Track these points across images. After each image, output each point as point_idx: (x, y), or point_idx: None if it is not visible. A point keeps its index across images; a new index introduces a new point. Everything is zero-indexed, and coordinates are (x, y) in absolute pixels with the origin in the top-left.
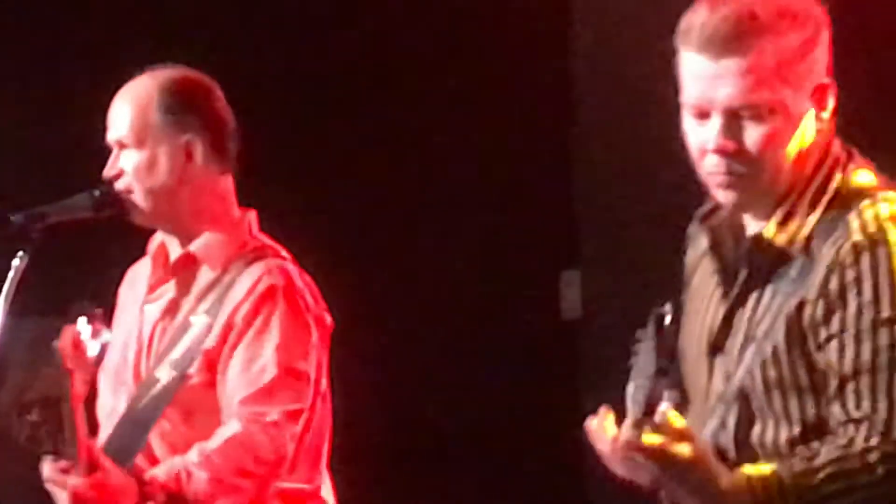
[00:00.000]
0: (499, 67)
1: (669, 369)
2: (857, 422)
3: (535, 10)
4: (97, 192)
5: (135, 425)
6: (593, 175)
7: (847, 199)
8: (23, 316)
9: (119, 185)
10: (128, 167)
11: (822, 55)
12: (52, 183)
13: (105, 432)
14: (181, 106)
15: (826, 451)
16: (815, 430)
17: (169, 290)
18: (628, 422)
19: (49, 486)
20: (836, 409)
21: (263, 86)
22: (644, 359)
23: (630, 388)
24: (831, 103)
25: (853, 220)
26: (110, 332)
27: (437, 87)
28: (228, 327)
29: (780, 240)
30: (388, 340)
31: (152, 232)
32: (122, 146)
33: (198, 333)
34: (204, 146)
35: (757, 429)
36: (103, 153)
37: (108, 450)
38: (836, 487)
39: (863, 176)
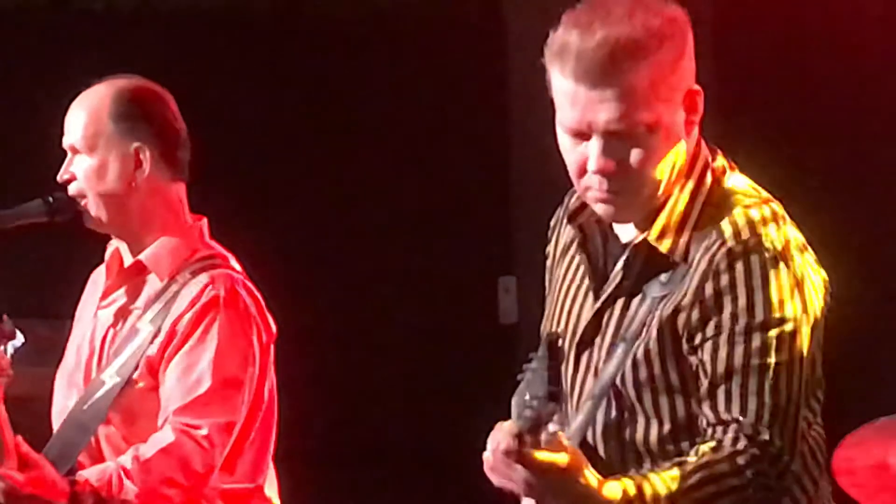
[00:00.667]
0: (441, 89)
1: (559, 395)
2: (727, 424)
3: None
4: (51, 199)
5: (79, 426)
6: (528, 190)
7: (720, 204)
8: None
9: (71, 190)
10: (79, 172)
11: (689, 63)
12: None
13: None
14: (132, 114)
15: (695, 456)
16: (685, 428)
17: (120, 296)
18: (511, 430)
19: None
20: (706, 409)
21: (220, 99)
22: (535, 379)
23: (516, 403)
24: (700, 108)
25: (726, 227)
26: (21, 338)
27: (384, 107)
28: (170, 335)
29: (664, 247)
30: (334, 342)
31: (105, 236)
32: (74, 151)
33: (142, 341)
34: (153, 154)
35: (627, 426)
36: (56, 159)
37: (53, 448)
38: (708, 491)
39: (734, 179)
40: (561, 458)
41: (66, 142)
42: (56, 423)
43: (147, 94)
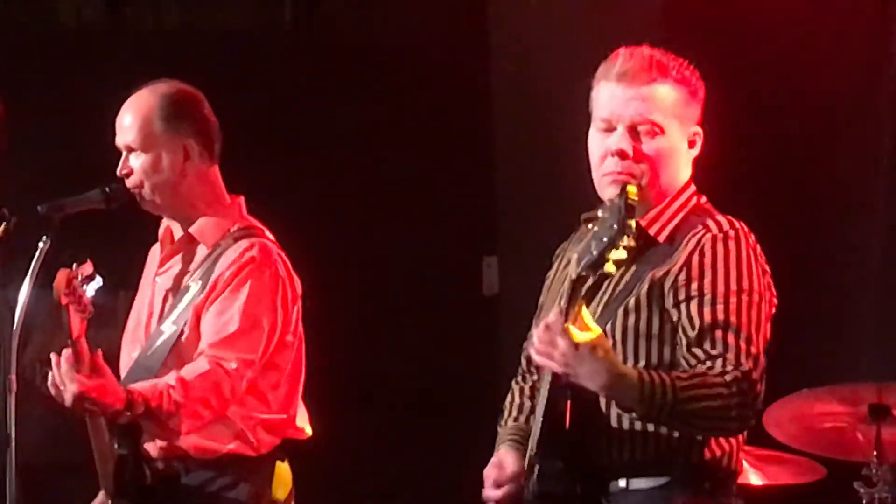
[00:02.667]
0: (431, 90)
1: (628, 230)
2: (715, 357)
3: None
4: (108, 189)
5: (145, 369)
6: (511, 182)
7: (701, 213)
8: (45, 289)
9: (129, 183)
10: (136, 167)
11: (698, 111)
12: (73, 179)
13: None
14: (178, 114)
15: (694, 371)
16: (662, 369)
17: (175, 263)
18: (555, 310)
19: (59, 381)
20: (696, 351)
21: (247, 105)
22: (601, 228)
23: (578, 251)
24: (698, 147)
25: (710, 223)
26: (100, 280)
27: (384, 108)
28: (212, 288)
29: (652, 230)
30: (344, 305)
31: (154, 219)
32: (130, 150)
33: (192, 295)
34: (198, 146)
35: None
36: (112, 157)
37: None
38: (701, 392)
39: (708, 205)
40: (594, 334)
41: (121, 142)
42: (122, 374)
43: (188, 96)
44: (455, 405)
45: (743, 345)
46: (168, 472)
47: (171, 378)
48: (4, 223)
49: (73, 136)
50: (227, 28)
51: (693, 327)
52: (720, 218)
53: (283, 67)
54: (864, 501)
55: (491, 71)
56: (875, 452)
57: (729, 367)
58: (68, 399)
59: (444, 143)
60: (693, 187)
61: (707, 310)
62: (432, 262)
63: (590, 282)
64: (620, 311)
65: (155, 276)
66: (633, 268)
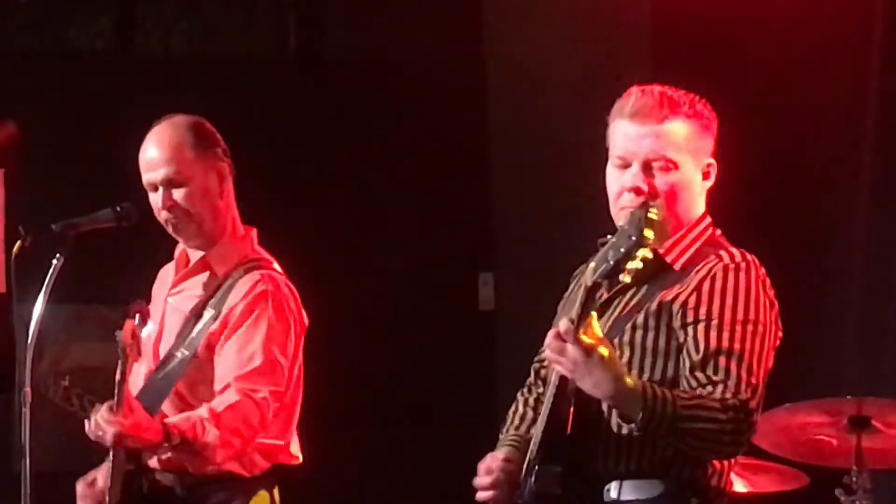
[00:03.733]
0: (426, 108)
1: (643, 242)
2: (716, 383)
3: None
4: (118, 208)
5: (156, 391)
6: (507, 199)
7: (716, 245)
8: (58, 303)
9: (174, 216)
10: (180, 199)
11: (711, 143)
12: (86, 199)
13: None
14: (206, 141)
15: (695, 392)
16: (665, 385)
17: (188, 287)
18: (565, 319)
19: (100, 425)
20: (699, 374)
21: (250, 128)
22: (617, 240)
23: (596, 261)
24: (712, 178)
25: (724, 254)
26: (152, 323)
27: (384, 133)
28: (227, 319)
29: (669, 258)
30: (346, 328)
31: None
32: (170, 184)
33: (205, 323)
34: (227, 168)
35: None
36: (122, 177)
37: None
38: (699, 413)
39: (722, 237)
40: (602, 343)
41: (157, 177)
42: (134, 389)
43: (207, 125)
44: (452, 419)
45: (744, 374)
46: (164, 484)
47: (203, 411)
48: (20, 241)
49: (85, 157)
50: (233, 54)
51: (697, 351)
52: (733, 250)
53: (288, 92)
54: None
55: (488, 91)
56: (855, 461)
57: (728, 395)
58: (109, 440)
59: (443, 162)
60: (708, 219)
61: (713, 335)
62: (430, 279)
63: (603, 290)
64: (628, 327)
65: (167, 296)
66: (645, 287)
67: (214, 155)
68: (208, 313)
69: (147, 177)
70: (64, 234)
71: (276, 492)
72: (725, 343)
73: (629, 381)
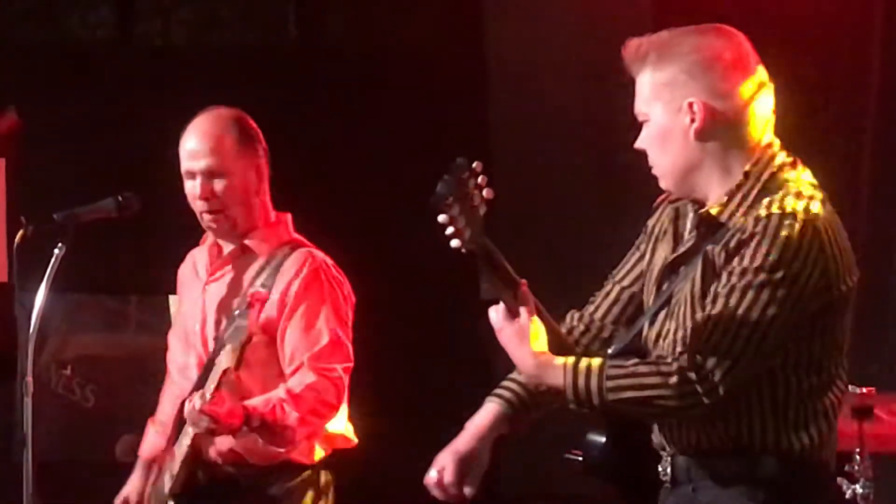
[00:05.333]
0: (426, 98)
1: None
2: (690, 342)
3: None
4: (121, 198)
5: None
6: (507, 186)
7: (774, 190)
8: (60, 293)
9: (212, 206)
10: (220, 190)
11: (703, 80)
12: (87, 189)
13: (181, 384)
14: (250, 136)
15: (650, 358)
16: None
17: (227, 272)
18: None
19: (194, 414)
20: (688, 326)
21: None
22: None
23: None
24: (699, 118)
25: (765, 202)
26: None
27: (379, 112)
28: (283, 300)
29: (722, 217)
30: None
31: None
32: (211, 175)
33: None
34: (265, 167)
35: (671, 329)
36: (122, 166)
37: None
38: (625, 383)
39: (793, 174)
40: (522, 321)
41: (199, 167)
42: (179, 378)
43: (248, 120)
44: (451, 409)
45: (697, 339)
46: (225, 476)
47: (281, 391)
48: (22, 230)
49: (86, 147)
50: (233, 44)
51: (702, 309)
52: (777, 199)
53: (288, 81)
54: (846, 496)
55: (489, 80)
56: (858, 449)
57: (683, 360)
58: (202, 428)
59: (442, 150)
60: (764, 163)
61: (721, 298)
62: (430, 268)
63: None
64: (684, 299)
65: (206, 284)
66: (703, 251)
67: (255, 152)
68: (258, 291)
69: (187, 165)
70: (66, 223)
71: (328, 476)
72: (722, 305)
73: (548, 357)
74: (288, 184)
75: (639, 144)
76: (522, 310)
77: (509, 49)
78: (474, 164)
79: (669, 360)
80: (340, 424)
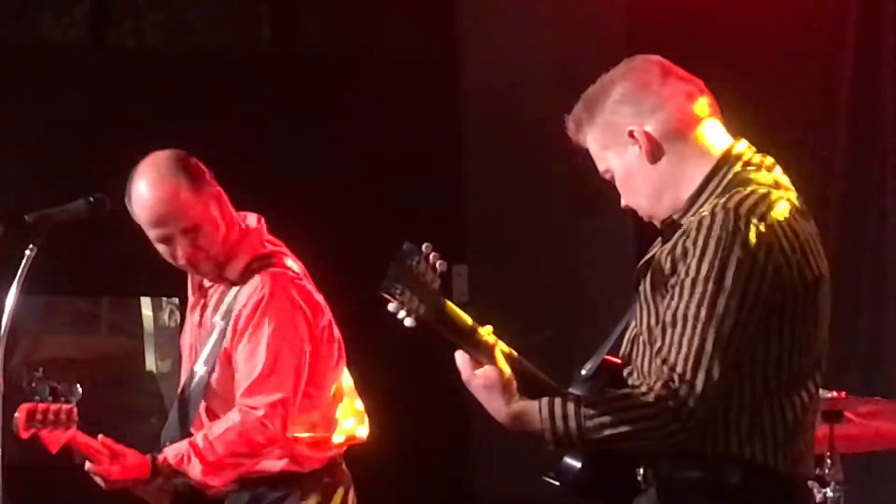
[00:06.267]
0: (400, 100)
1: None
2: (660, 365)
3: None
4: (92, 199)
5: (187, 407)
6: (480, 191)
7: (731, 190)
8: (32, 295)
9: (191, 262)
10: (201, 243)
11: (625, 113)
12: (58, 190)
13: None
14: (198, 179)
15: (611, 395)
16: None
17: (202, 303)
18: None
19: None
20: (654, 350)
21: (222, 119)
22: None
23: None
24: (643, 143)
25: (712, 203)
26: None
27: (357, 124)
28: (234, 330)
29: (684, 221)
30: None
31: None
32: (184, 233)
33: (217, 335)
34: (218, 190)
35: (636, 356)
36: (94, 168)
37: (172, 423)
38: (606, 420)
39: (759, 173)
40: (489, 371)
41: (171, 232)
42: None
43: (190, 159)
44: (426, 413)
45: (691, 352)
46: (224, 491)
47: (198, 437)
48: None
49: (58, 148)
50: (206, 46)
51: (658, 321)
52: (724, 199)
53: (261, 82)
54: (816, 500)
55: (461, 83)
56: (829, 453)
57: (656, 385)
58: (109, 489)
59: (416, 154)
60: (728, 163)
61: (672, 303)
62: None
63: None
64: (637, 304)
65: (190, 313)
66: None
67: (208, 185)
68: (220, 324)
69: (156, 233)
70: (37, 225)
71: (335, 481)
72: (680, 312)
73: (521, 405)
74: (260, 185)
75: (621, 193)
76: (487, 365)
77: (482, 49)
78: (423, 247)
79: (644, 389)
80: (329, 429)
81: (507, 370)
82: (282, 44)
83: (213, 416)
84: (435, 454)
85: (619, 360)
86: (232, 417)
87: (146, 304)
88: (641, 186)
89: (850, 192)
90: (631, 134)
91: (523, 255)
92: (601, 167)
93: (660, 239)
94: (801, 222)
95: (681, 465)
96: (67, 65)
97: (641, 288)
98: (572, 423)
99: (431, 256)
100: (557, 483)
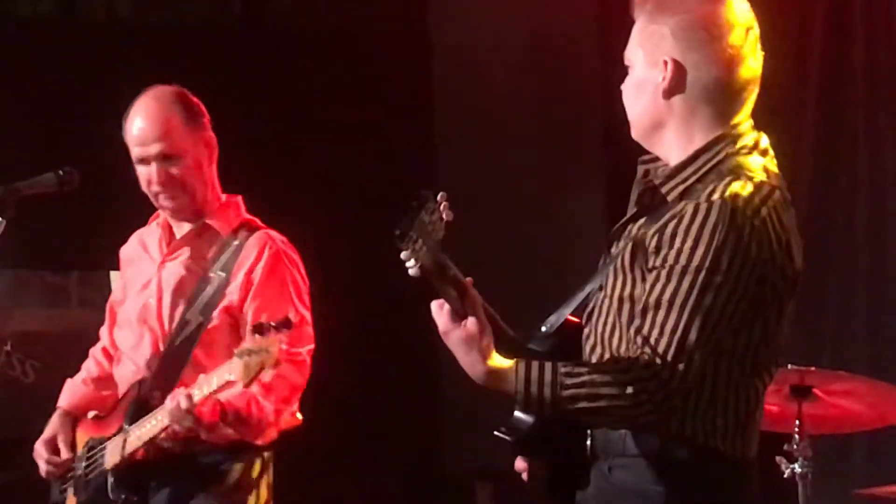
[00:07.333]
0: (373, 75)
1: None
2: (642, 346)
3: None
4: (61, 172)
5: (177, 356)
6: (452, 163)
7: (725, 173)
8: (0, 268)
9: (170, 190)
10: (177, 173)
11: (677, 40)
12: (29, 164)
13: (131, 365)
14: (195, 112)
15: (601, 363)
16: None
17: (183, 253)
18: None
19: (177, 412)
20: (633, 328)
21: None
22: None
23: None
24: (669, 77)
25: (709, 187)
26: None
27: (330, 109)
28: (248, 283)
29: (664, 189)
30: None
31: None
32: (165, 159)
33: (217, 286)
34: (213, 139)
35: (599, 321)
36: (63, 141)
37: (160, 374)
38: (581, 392)
39: (752, 158)
40: (471, 326)
41: (151, 152)
42: (134, 356)
43: (192, 97)
44: (406, 395)
45: (675, 337)
46: (169, 452)
47: (254, 386)
48: None
49: (28, 122)
50: (178, 19)
51: (640, 301)
52: (723, 185)
53: (232, 57)
54: (785, 475)
55: (433, 57)
56: (797, 429)
57: (638, 365)
58: (184, 427)
59: (387, 128)
60: (725, 140)
61: (658, 285)
62: (372, 249)
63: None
64: (611, 270)
65: (162, 263)
66: (636, 226)
67: (202, 127)
68: (218, 276)
69: (139, 151)
70: (6, 198)
71: (270, 456)
72: (667, 295)
73: (498, 363)
74: (231, 158)
75: (622, 87)
76: (471, 318)
77: (453, 26)
78: (438, 196)
79: (624, 367)
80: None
81: (488, 325)
82: (253, 18)
83: (196, 363)
84: (403, 427)
85: (578, 321)
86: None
87: (115, 277)
88: (643, 108)
89: (820, 173)
90: (665, 63)
91: (495, 231)
92: (627, 53)
93: (634, 201)
94: (787, 214)
95: (633, 442)
96: (38, 38)
97: (620, 256)
98: (547, 391)
99: (443, 206)
100: (509, 438)
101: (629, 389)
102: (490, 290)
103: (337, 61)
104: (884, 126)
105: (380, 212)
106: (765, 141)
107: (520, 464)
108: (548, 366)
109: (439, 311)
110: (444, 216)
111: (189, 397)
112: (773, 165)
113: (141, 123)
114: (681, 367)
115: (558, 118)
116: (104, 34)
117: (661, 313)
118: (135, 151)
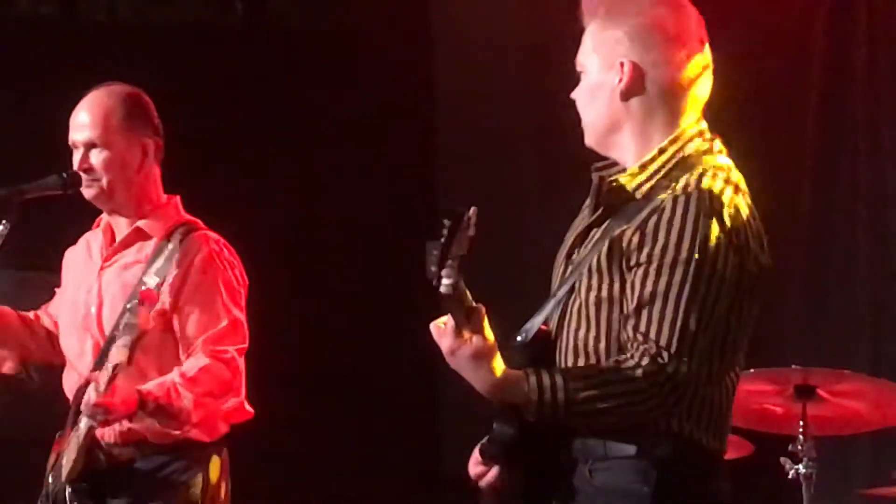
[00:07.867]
0: (374, 77)
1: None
2: (640, 342)
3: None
4: (64, 174)
5: (111, 346)
6: (452, 166)
7: (691, 167)
8: (3, 270)
9: (88, 178)
10: (97, 163)
11: (632, 42)
12: (30, 166)
13: (75, 374)
14: (137, 114)
15: (601, 365)
16: (615, 337)
17: (122, 257)
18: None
19: (87, 407)
20: (629, 327)
21: (191, 96)
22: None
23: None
24: (626, 78)
25: (682, 181)
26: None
27: (330, 110)
28: (181, 283)
29: (630, 186)
30: (289, 298)
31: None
32: (90, 146)
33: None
34: (153, 145)
35: (573, 326)
36: (66, 143)
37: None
38: (596, 393)
39: (720, 158)
40: (476, 341)
41: (80, 138)
42: (77, 363)
43: (143, 97)
44: (397, 389)
45: (676, 329)
46: (123, 458)
47: (175, 375)
48: None
49: (30, 123)
50: (179, 20)
51: (633, 298)
52: (696, 175)
53: (233, 58)
54: (789, 476)
55: (435, 58)
56: (801, 429)
57: (644, 360)
58: (99, 420)
59: (389, 130)
60: (688, 138)
61: (649, 280)
62: (376, 248)
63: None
64: (585, 272)
65: (102, 269)
66: (606, 224)
67: (143, 130)
68: (152, 280)
69: (71, 136)
70: (9, 200)
71: (225, 454)
72: (660, 288)
73: (506, 374)
74: (232, 158)
75: (574, 94)
76: (476, 335)
77: (455, 27)
78: (470, 212)
79: (632, 364)
80: (240, 397)
81: (492, 338)
82: (254, 19)
83: (137, 369)
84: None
85: (549, 329)
86: (200, 360)
87: None
88: (599, 111)
89: (821, 173)
90: (622, 65)
91: (498, 230)
92: (580, 59)
93: (588, 203)
94: (751, 208)
95: (614, 445)
96: (38, 39)
97: (594, 258)
98: (560, 395)
99: (472, 224)
100: (491, 449)
101: (641, 385)
102: (486, 296)
103: (339, 60)
104: (884, 126)
105: (383, 212)
106: (718, 143)
107: (476, 469)
108: (557, 372)
109: (443, 331)
110: (471, 232)
111: (95, 388)
112: (731, 164)
113: (81, 110)
114: (685, 357)
115: (561, 119)
116: (104, 34)
117: (657, 308)
118: (70, 137)
